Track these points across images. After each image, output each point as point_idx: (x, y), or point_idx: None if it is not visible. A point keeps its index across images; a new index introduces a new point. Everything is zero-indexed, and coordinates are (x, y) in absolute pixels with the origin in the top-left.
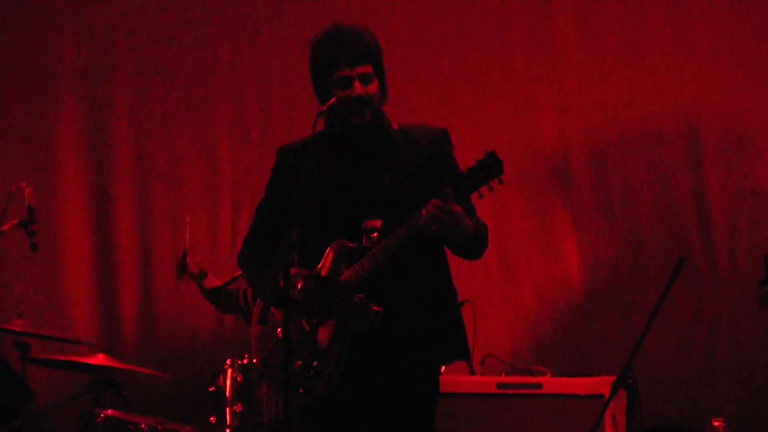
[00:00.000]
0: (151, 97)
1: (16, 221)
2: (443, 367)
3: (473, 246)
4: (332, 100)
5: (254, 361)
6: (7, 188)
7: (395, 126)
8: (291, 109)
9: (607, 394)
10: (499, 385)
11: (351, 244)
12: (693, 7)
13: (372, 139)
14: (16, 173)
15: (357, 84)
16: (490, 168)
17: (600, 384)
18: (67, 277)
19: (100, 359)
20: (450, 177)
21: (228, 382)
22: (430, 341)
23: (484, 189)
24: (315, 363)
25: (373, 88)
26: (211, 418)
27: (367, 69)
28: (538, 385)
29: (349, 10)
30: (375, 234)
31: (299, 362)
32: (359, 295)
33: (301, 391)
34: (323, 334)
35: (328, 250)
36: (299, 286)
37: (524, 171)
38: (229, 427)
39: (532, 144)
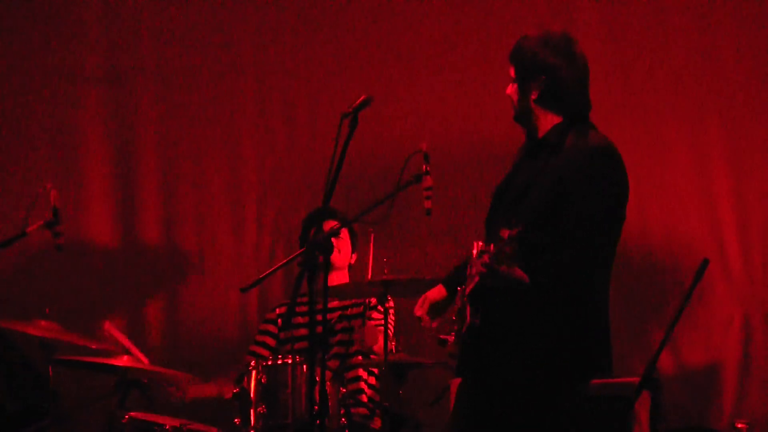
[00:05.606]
0: (176, 98)
1: (41, 222)
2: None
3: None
4: (358, 101)
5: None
6: (32, 189)
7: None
8: (316, 110)
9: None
10: None
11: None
12: (716, 6)
13: (537, 145)
14: (42, 175)
15: None
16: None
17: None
18: (93, 278)
19: (125, 360)
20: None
21: (252, 384)
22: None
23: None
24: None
25: (510, 88)
26: (236, 420)
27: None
28: None
29: (377, 9)
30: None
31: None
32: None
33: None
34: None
35: None
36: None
37: None
38: (254, 428)
39: None
